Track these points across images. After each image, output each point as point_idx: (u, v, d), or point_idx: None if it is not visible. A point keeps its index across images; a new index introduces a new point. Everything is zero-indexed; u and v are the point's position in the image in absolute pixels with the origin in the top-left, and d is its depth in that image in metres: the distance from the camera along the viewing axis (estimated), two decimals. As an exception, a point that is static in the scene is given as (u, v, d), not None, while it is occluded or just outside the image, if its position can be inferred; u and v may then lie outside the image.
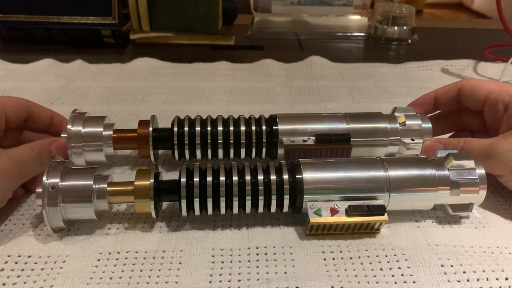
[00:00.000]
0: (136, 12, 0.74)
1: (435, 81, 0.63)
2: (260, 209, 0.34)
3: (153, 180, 0.33)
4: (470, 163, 0.35)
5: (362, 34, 0.85)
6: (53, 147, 0.38)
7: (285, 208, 0.34)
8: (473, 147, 0.37)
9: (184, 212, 0.34)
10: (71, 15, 0.72)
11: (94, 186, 0.33)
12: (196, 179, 0.33)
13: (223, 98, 0.57)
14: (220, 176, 0.34)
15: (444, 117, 0.45)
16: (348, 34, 0.86)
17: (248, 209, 0.34)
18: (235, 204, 0.34)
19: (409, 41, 0.83)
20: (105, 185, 0.33)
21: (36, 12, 0.71)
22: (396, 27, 0.82)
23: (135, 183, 0.33)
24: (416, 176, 0.34)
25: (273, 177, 0.34)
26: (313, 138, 0.40)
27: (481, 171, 0.35)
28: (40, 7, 0.71)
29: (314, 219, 0.33)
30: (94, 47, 0.75)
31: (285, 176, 0.34)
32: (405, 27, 0.82)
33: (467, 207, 0.35)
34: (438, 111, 0.45)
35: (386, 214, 0.33)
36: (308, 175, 0.34)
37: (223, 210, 0.34)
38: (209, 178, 0.33)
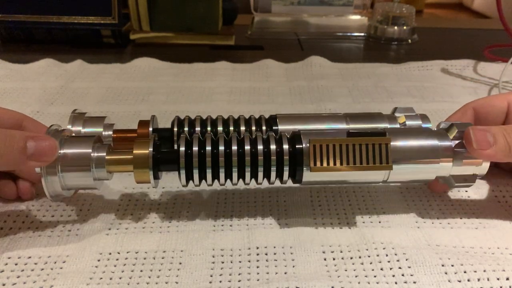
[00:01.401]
0: (136, 12, 0.74)
1: (435, 81, 0.63)
2: (260, 179, 0.34)
3: (152, 149, 0.33)
4: None
5: (362, 34, 0.85)
6: (31, 143, 0.30)
7: (285, 177, 0.34)
8: None
9: (183, 181, 0.33)
10: (71, 15, 0.72)
11: (92, 154, 0.33)
12: (195, 148, 0.33)
13: (223, 98, 0.57)
14: (219, 146, 0.33)
15: None
16: (348, 34, 0.86)
17: (247, 179, 0.34)
18: (234, 174, 0.33)
19: (409, 41, 0.83)
20: (104, 154, 0.33)
21: (36, 12, 0.71)
22: (396, 27, 0.82)
23: (134, 151, 0.33)
24: (418, 147, 0.34)
25: (273, 147, 0.33)
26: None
27: None
28: (40, 7, 0.71)
29: (314, 139, 0.32)
30: (94, 47, 0.75)
31: (285, 146, 0.33)
32: (405, 27, 0.82)
33: (470, 178, 0.35)
34: None
35: (388, 135, 0.33)
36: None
37: (222, 180, 0.34)
38: (208, 148, 0.33)
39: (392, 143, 0.33)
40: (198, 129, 0.40)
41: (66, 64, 0.65)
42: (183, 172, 0.33)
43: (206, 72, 0.65)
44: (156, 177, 0.33)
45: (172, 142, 0.40)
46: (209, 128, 0.40)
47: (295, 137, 0.34)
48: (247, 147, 0.33)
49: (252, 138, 0.34)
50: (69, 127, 0.40)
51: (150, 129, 0.40)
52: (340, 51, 0.80)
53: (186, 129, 0.40)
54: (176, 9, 0.74)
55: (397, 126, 0.41)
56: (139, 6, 0.73)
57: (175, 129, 0.40)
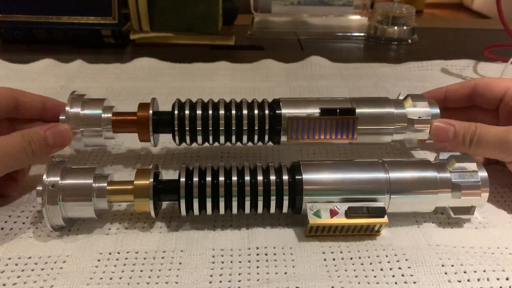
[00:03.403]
0: (136, 12, 0.74)
1: (435, 81, 0.63)
2: (260, 209, 0.34)
3: (152, 180, 0.33)
4: (472, 166, 0.34)
5: (362, 34, 0.85)
6: (49, 133, 0.35)
7: (285, 209, 0.34)
8: (488, 133, 0.36)
9: (183, 212, 0.34)
10: (71, 15, 0.72)
11: (94, 184, 0.33)
12: (196, 179, 0.33)
13: (223, 98, 0.57)
14: (219, 176, 0.34)
15: (453, 110, 0.44)
16: (348, 34, 0.86)
17: (247, 209, 0.34)
18: (234, 204, 0.34)
19: (409, 41, 0.83)
20: (105, 184, 0.33)
21: (36, 12, 0.71)
22: (396, 27, 0.82)
23: (135, 182, 0.33)
24: (417, 178, 0.34)
25: (272, 177, 0.34)
26: (318, 112, 0.39)
27: (483, 174, 0.34)
28: (40, 7, 0.71)
29: (313, 221, 0.33)
30: (94, 47, 0.75)
31: (285, 177, 0.34)
32: (405, 27, 0.82)
33: (469, 210, 0.35)
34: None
35: (386, 216, 0.33)
36: (308, 176, 0.34)
37: (222, 211, 0.34)
38: (209, 178, 0.33)
39: (391, 175, 0.34)
40: (199, 112, 0.39)
41: (66, 64, 0.65)
42: (183, 202, 0.33)
43: (206, 72, 0.65)
44: (156, 207, 0.34)
45: (173, 125, 0.39)
46: (210, 112, 0.39)
47: (295, 167, 0.34)
48: (247, 178, 0.34)
49: (252, 168, 0.34)
50: (67, 108, 0.39)
51: (150, 112, 0.39)
52: (340, 51, 0.80)
53: (187, 112, 0.39)
54: (176, 9, 0.74)
55: (404, 110, 0.40)
56: (139, 6, 0.73)
57: (176, 112, 0.39)
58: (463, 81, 0.43)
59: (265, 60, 0.68)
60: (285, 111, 0.39)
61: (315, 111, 0.39)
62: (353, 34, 0.86)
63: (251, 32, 0.85)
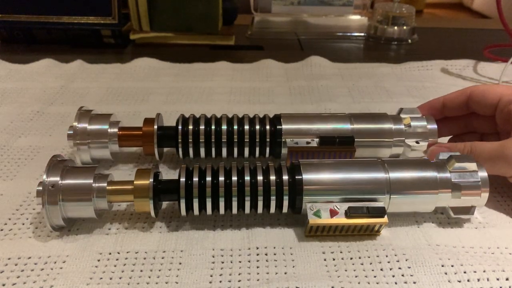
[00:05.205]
0: (136, 12, 0.74)
1: (435, 81, 0.63)
2: (260, 209, 0.34)
3: (152, 180, 0.33)
4: (472, 166, 0.34)
5: (362, 34, 0.85)
6: None
7: (285, 209, 0.34)
8: (483, 150, 0.37)
9: (183, 212, 0.34)
10: (71, 15, 0.72)
11: (94, 184, 0.33)
12: (196, 179, 0.33)
13: (223, 98, 0.57)
14: (219, 176, 0.34)
15: (452, 119, 0.44)
16: (348, 34, 0.86)
17: (247, 209, 0.34)
18: (234, 204, 0.34)
19: (409, 41, 0.83)
20: (105, 184, 0.33)
21: (36, 12, 0.71)
22: (396, 27, 0.82)
23: (135, 182, 0.33)
24: (417, 178, 0.34)
25: (272, 177, 0.34)
26: (317, 140, 0.40)
27: (483, 173, 0.34)
28: (40, 7, 0.71)
29: (313, 221, 0.33)
30: (94, 47, 0.75)
31: (285, 177, 0.34)
32: (405, 27, 0.82)
33: (469, 210, 0.35)
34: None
35: (386, 216, 0.33)
36: (308, 176, 0.34)
37: (222, 211, 0.34)
38: (209, 178, 0.33)
39: (391, 174, 0.34)
40: (202, 127, 0.40)
41: (66, 64, 0.65)
42: (183, 202, 0.33)
43: (206, 72, 0.65)
44: (156, 207, 0.34)
45: (177, 140, 0.40)
46: (213, 127, 0.40)
47: (295, 167, 0.34)
48: (247, 178, 0.34)
49: (252, 168, 0.34)
50: (75, 124, 0.40)
51: (155, 127, 0.40)
52: (340, 51, 0.80)
53: (190, 127, 0.40)
54: (176, 9, 0.74)
55: (402, 127, 0.41)
56: (139, 6, 0.73)
57: (180, 127, 0.40)
58: (460, 90, 0.43)
59: (265, 60, 0.68)
60: (286, 126, 0.40)
61: (314, 127, 0.40)
62: (353, 34, 0.86)
63: (251, 32, 0.85)
